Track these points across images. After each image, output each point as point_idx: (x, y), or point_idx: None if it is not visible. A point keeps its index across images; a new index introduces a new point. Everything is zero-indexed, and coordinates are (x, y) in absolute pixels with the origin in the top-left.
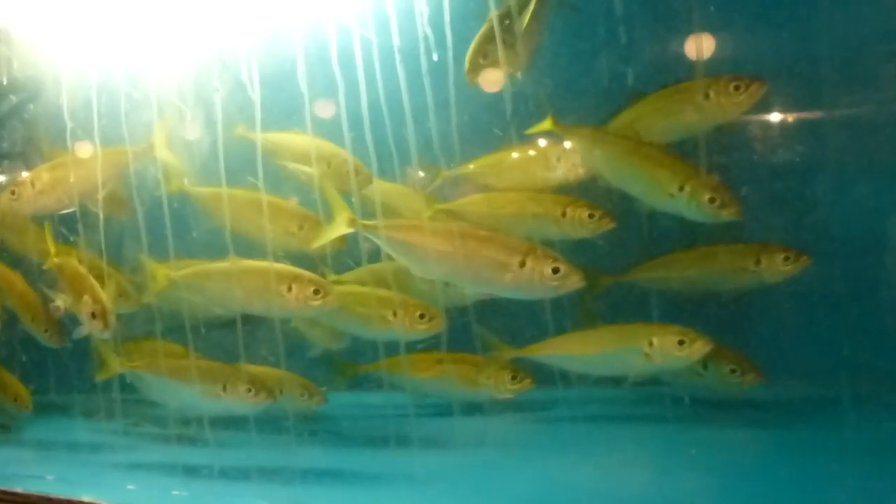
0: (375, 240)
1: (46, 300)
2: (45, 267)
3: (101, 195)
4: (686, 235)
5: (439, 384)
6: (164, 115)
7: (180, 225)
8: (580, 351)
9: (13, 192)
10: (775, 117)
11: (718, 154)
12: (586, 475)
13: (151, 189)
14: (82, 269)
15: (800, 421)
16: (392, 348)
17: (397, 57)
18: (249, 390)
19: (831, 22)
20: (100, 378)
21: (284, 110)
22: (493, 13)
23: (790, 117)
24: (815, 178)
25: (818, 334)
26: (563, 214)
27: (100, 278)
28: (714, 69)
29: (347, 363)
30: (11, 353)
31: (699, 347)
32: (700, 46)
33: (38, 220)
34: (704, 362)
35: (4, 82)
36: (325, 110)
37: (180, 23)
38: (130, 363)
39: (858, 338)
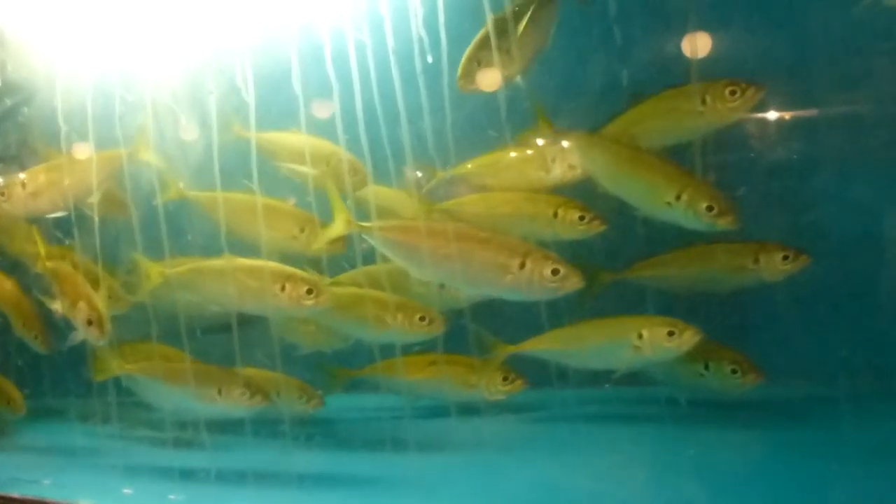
0: (373, 242)
1: (42, 305)
2: (36, 271)
3: (94, 199)
4: (685, 234)
5: (432, 386)
6: (144, 118)
7: (176, 228)
8: (571, 345)
9: (3, 194)
10: (772, 116)
11: (715, 153)
12: (584, 476)
13: (149, 196)
14: (77, 274)
15: (800, 421)
16: (387, 350)
17: (391, 59)
18: (244, 393)
19: (828, 20)
20: (97, 378)
21: (279, 112)
22: (489, 18)
23: (787, 115)
24: (814, 177)
25: (818, 334)
26: (555, 215)
27: (93, 282)
28: (713, 69)
29: (340, 368)
30: (6, 358)
31: (688, 338)
32: (695, 46)
33: (32, 223)
34: (706, 362)
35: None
36: (320, 112)
37: (175, 25)
38: (127, 365)
39: (858, 337)
